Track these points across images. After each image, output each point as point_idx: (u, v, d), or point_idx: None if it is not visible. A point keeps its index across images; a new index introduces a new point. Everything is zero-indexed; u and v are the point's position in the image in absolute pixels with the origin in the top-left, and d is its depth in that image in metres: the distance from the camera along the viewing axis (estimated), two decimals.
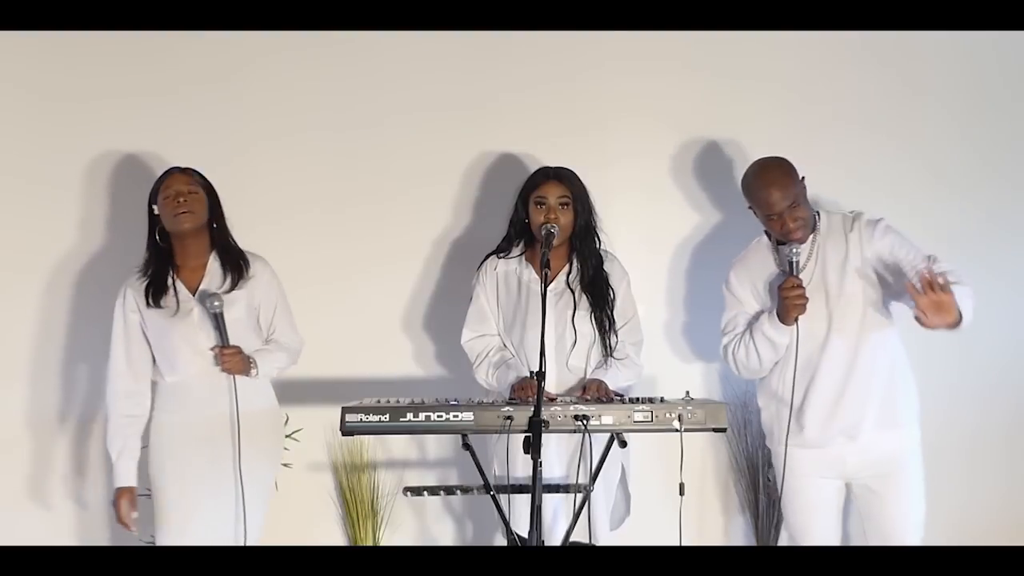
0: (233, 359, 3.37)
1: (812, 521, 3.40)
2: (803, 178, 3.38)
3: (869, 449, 3.32)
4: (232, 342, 3.39)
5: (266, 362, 3.47)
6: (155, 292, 3.42)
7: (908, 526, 3.35)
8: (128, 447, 3.43)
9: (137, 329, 3.44)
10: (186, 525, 3.37)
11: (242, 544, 3.37)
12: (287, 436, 4.03)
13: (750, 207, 3.43)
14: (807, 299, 3.28)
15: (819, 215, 3.43)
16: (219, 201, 3.51)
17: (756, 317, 3.42)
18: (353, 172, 4.21)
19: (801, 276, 3.31)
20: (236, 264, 3.47)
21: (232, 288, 3.43)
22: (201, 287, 3.44)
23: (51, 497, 4.12)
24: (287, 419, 4.02)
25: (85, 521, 4.13)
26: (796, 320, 3.29)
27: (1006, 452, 4.28)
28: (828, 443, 3.34)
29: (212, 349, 3.39)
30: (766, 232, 3.47)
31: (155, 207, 3.44)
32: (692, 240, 4.24)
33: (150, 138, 4.12)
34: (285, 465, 4.04)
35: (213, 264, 3.47)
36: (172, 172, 3.48)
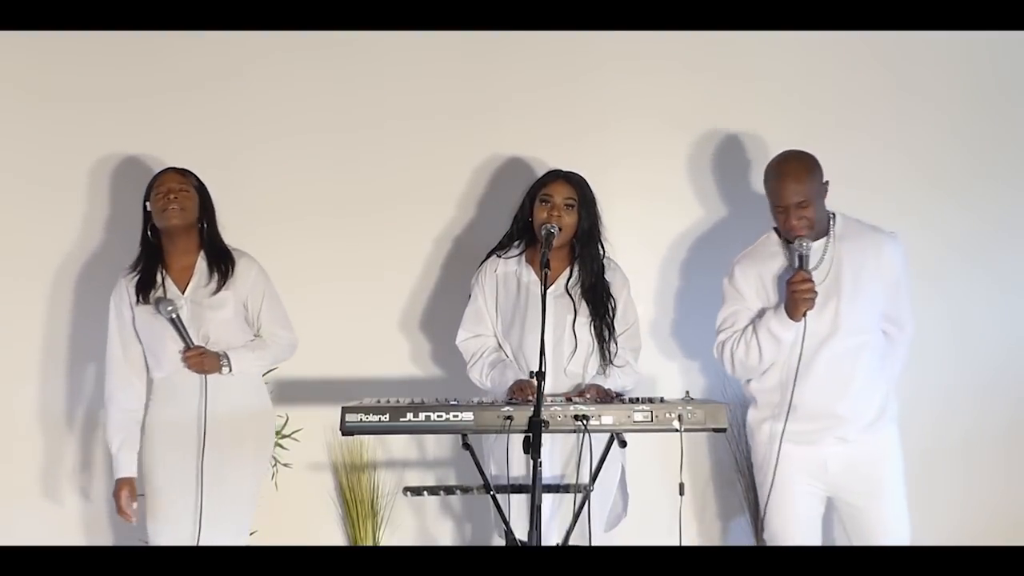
0: (195, 360, 3.40)
1: (794, 528, 3.38)
2: (826, 181, 3.36)
3: (856, 453, 3.32)
4: (218, 342, 3.44)
5: (241, 360, 3.47)
6: (144, 289, 3.46)
7: (898, 536, 3.35)
8: (128, 439, 3.48)
9: (130, 324, 3.49)
10: (174, 524, 3.40)
11: (221, 545, 3.38)
12: (287, 436, 4.04)
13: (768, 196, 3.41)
14: (816, 294, 3.26)
15: (835, 217, 3.41)
16: (211, 203, 3.56)
17: (760, 315, 3.40)
18: (353, 173, 4.21)
19: (813, 274, 3.28)
20: (222, 264, 3.50)
21: (218, 289, 3.47)
22: (190, 287, 3.47)
23: (60, 494, 4.13)
24: (286, 419, 4.04)
25: (91, 518, 4.13)
26: (804, 315, 3.27)
27: (1003, 452, 4.28)
28: (818, 441, 3.33)
29: (180, 352, 3.42)
30: (775, 228, 3.46)
31: (148, 204, 3.49)
32: (694, 241, 4.24)
33: (150, 139, 4.11)
34: (285, 465, 4.05)
35: (201, 264, 3.51)
36: (166, 170, 3.54)
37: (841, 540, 3.55)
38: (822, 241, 3.36)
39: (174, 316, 3.38)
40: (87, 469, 4.14)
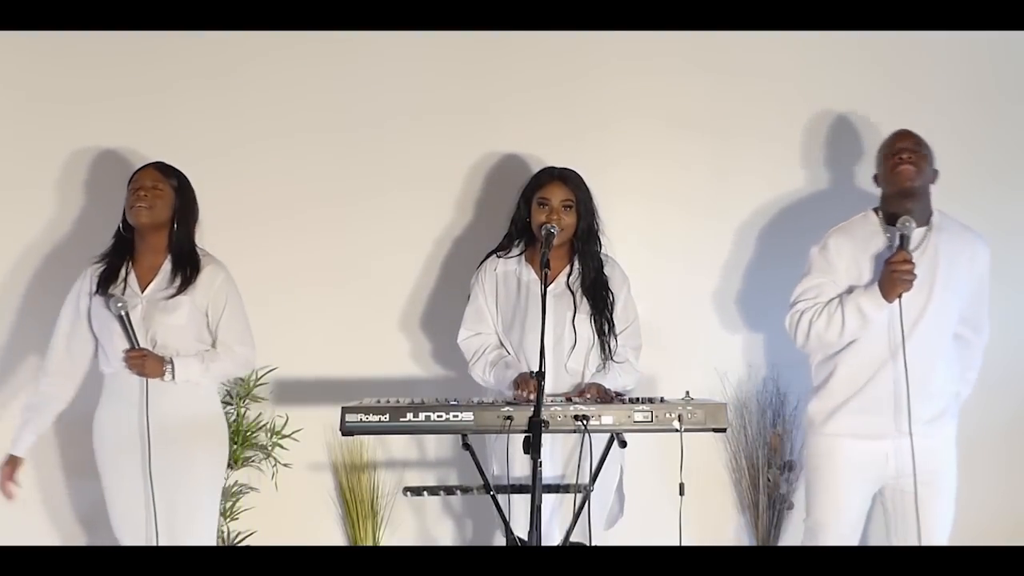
0: (136, 361, 3.31)
1: (845, 519, 3.35)
2: (937, 172, 3.41)
3: (917, 445, 3.25)
4: (167, 347, 3.35)
5: (186, 368, 3.34)
6: (105, 280, 3.39)
7: (943, 529, 3.33)
8: (33, 420, 3.43)
9: (85, 314, 3.41)
10: (131, 523, 3.35)
11: (155, 545, 3.31)
12: (287, 436, 4.04)
13: (875, 175, 3.42)
14: (915, 276, 3.20)
15: (934, 213, 3.38)
16: (191, 203, 3.46)
17: (848, 291, 3.32)
18: (353, 172, 4.21)
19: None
20: (186, 268, 3.41)
21: (176, 293, 3.38)
22: (151, 287, 3.39)
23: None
24: (286, 419, 4.04)
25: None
26: (900, 297, 3.21)
27: (1005, 452, 4.28)
28: (885, 435, 3.28)
29: (124, 351, 3.33)
30: (874, 209, 3.41)
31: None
32: (693, 240, 4.24)
33: (149, 137, 4.09)
34: (285, 465, 4.05)
35: (167, 265, 3.42)
36: (146, 166, 3.46)
37: (876, 527, 3.52)
38: (922, 229, 3.32)
39: (122, 314, 3.29)
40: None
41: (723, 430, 3.09)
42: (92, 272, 3.44)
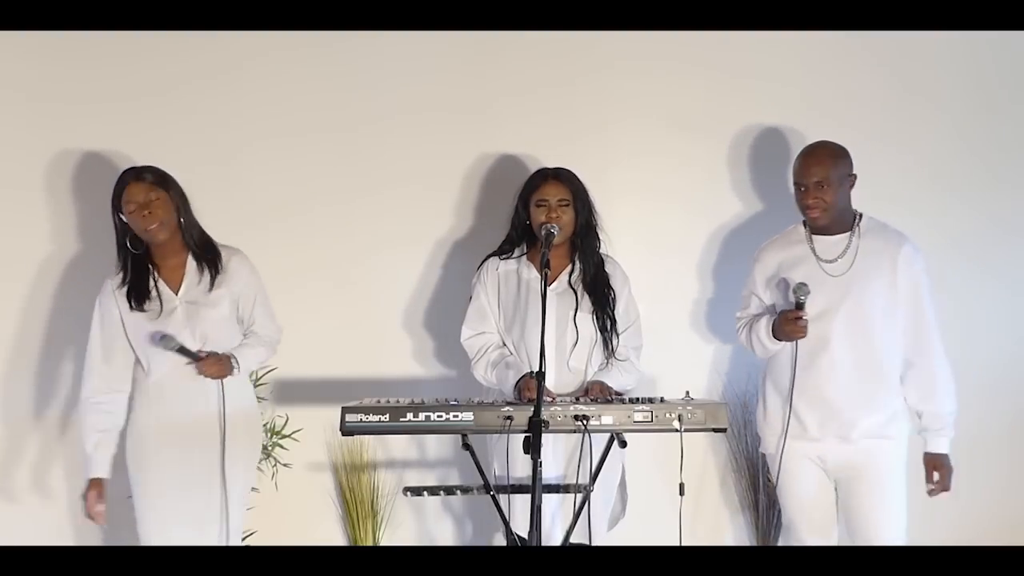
0: (212, 367, 3.36)
1: (806, 505, 3.43)
2: (853, 176, 3.42)
3: (857, 453, 3.37)
4: (216, 340, 3.40)
5: (246, 358, 3.46)
6: (138, 297, 3.39)
7: (888, 526, 3.38)
8: (104, 440, 3.41)
9: (118, 328, 3.40)
10: (168, 526, 3.36)
11: (223, 544, 3.38)
12: (287, 436, 4.05)
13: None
14: (805, 332, 3.32)
15: (860, 216, 3.44)
16: (181, 194, 3.44)
17: (765, 312, 3.49)
18: (353, 171, 4.21)
19: (833, 267, 3.37)
20: (212, 261, 3.45)
21: (212, 287, 3.42)
22: (183, 288, 3.41)
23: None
24: (286, 419, 4.05)
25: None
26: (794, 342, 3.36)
27: (1006, 452, 4.28)
28: (821, 439, 3.38)
29: (188, 365, 3.35)
30: (804, 221, 3.49)
31: (122, 215, 3.38)
32: (693, 240, 4.24)
33: (148, 137, 4.09)
34: (285, 465, 4.05)
35: (191, 262, 3.44)
36: (128, 180, 3.39)
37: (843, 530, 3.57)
38: (845, 235, 3.41)
39: (177, 347, 3.32)
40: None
41: (723, 430, 3.10)
42: (116, 292, 3.40)
